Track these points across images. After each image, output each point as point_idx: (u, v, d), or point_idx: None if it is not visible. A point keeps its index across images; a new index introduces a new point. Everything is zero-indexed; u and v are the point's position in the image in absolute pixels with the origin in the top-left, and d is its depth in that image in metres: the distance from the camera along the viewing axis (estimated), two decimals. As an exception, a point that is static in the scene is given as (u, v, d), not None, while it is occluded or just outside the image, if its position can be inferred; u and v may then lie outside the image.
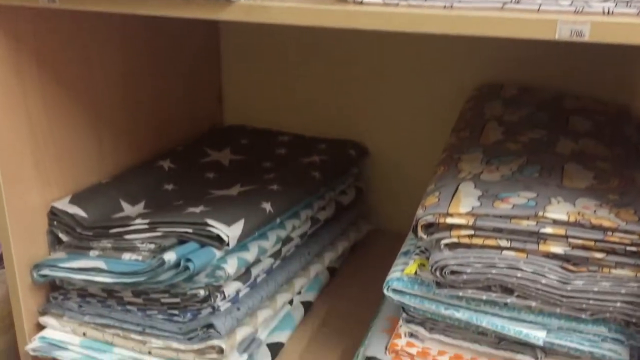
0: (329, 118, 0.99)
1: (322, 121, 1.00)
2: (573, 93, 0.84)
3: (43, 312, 0.72)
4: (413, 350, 0.60)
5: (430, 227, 0.57)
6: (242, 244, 0.69)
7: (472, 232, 0.55)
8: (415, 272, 0.59)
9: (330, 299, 0.82)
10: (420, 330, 0.60)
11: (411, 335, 0.62)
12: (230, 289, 0.68)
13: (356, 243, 0.94)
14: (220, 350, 0.65)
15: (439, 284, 0.56)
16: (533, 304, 0.55)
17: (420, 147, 0.94)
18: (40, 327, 0.72)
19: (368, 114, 0.97)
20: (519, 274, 0.53)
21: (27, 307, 0.71)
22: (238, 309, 0.68)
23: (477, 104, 0.81)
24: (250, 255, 0.69)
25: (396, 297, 0.59)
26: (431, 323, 0.60)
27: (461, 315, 0.57)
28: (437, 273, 0.55)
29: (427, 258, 0.58)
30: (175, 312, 0.67)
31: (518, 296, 0.55)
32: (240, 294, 0.69)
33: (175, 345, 0.66)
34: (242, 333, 0.68)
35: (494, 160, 0.65)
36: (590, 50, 0.83)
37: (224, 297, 0.67)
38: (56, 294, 0.72)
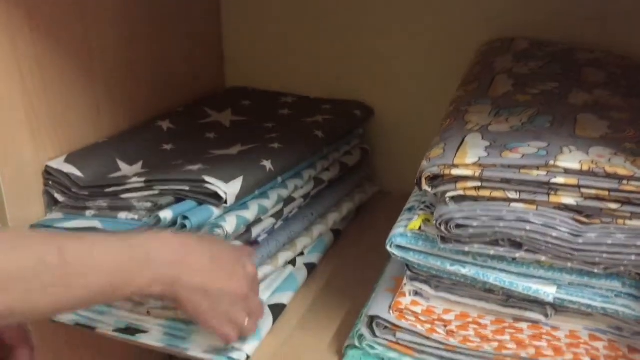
0: (334, 79, 0.96)
1: (327, 82, 0.97)
2: (586, 47, 0.80)
3: (40, 274, 0.71)
4: (418, 309, 0.58)
5: (435, 180, 0.54)
6: (241, 202, 0.67)
7: (479, 183, 0.52)
8: (420, 228, 0.56)
9: (335, 261, 0.80)
10: (425, 288, 0.58)
11: (416, 293, 0.60)
12: (230, 248, 0.66)
13: (361, 205, 0.92)
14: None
15: (444, 239, 0.54)
16: (543, 258, 0.52)
17: (427, 107, 0.91)
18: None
19: (374, 74, 0.94)
20: (528, 227, 0.51)
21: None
22: (238, 268, 0.66)
23: (486, 58, 0.78)
24: (250, 214, 0.67)
25: (400, 254, 0.57)
26: (436, 280, 0.58)
27: (467, 271, 0.54)
28: (442, 227, 0.53)
29: (432, 213, 0.56)
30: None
31: (527, 250, 0.52)
32: (241, 254, 0.68)
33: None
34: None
35: (503, 111, 0.62)
36: (603, 4, 0.79)
37: (224, 257, 0.65)
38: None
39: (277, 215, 0.73)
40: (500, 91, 0.66)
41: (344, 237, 0.85)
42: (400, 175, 0.93)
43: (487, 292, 0.56)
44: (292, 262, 0.76)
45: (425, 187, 0.54)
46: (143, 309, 0.66)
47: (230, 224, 0.64)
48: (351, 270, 0.78)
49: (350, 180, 0.89)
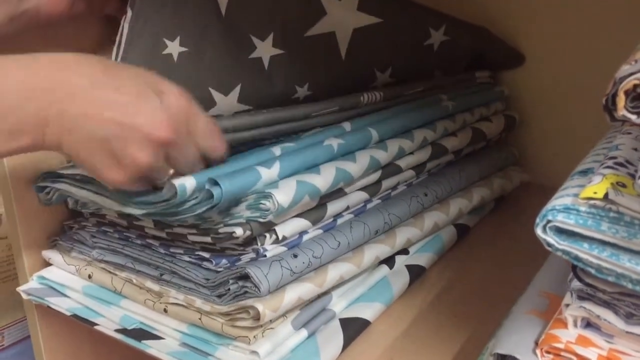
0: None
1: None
2: None
3: (51, 245, 0.54)
4: (591, 354, 0.31)
5: (642, 100, 0.28)
6: (310, 163, 0.45)
7: None
8: (605, 197, 0.30)
9: (454, 268, 0.54)
10: (608, 317, 0.31)
11: (588, 325, 0.33)
12: (288, 228, 0.43)
13: (503, 197, 0.65)
14: (257, 316, 0.40)
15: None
16: None
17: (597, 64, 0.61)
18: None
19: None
20: None
21: (30, 234, 0.53)
22: (294, 255, 0.43)
23: None
24: (322, 181, 0.44)
25: (561, 243, 0.30)
26: (632, 303, 0.31)
27: None
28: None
29: (632, 173, 0.30)
30: (206, 255, 0.44)
31: None
32: (306, 237, 0.45)
33: (198, 303, 0.43)
34: (296, 294, 0.43)
35: None
36: None
37: (277, 239, 0.43)
38: (72, 222, 0.54)
39: (371, 189, 0.50)
40: None
41: (472, 237, 0.59)
42: (562, 161, 0.65)
43: None
44: (389, 261, 0.51)
45: (622, 111, 0.28)
46: (160, 305, 0.45)
47: (285, 192, 0.41)
48: (478, 282, 0.52)
49: (488, 158, 0.63)
